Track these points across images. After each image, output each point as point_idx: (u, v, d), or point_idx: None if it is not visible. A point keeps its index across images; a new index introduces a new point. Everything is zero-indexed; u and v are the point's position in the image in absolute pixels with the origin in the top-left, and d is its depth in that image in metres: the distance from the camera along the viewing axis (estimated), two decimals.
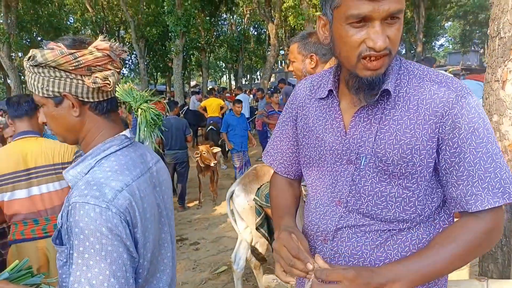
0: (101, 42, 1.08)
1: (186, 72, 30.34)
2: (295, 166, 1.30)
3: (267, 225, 2.76)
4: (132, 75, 41.16)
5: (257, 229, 2.78)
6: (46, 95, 1.08)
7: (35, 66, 1.06)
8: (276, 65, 25.16)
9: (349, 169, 1.08)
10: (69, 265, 1.03)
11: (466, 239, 0.97)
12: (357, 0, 0.90)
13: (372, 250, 1.07)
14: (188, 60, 27.63)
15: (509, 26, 1.92)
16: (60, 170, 2.37)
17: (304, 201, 1.48)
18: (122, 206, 1.00)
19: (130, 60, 34.65)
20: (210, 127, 8.63)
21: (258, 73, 40.64)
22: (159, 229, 1.19)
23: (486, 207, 0.96)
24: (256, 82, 37.43)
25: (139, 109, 3.35)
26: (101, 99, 1.13)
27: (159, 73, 33.50)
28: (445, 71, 12.84)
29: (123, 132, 1.18)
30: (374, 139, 1.03)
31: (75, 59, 1.04)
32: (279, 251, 1.03)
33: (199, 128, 12.04)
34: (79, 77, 1.07)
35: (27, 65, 1.07)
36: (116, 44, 1.12)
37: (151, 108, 3.40)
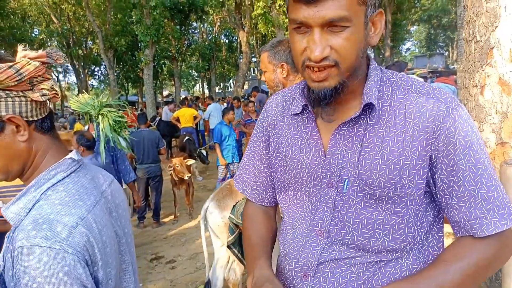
0: (27, 52, 0.93)
1: (158, 82, 29.96)
2: (270, 192, 1.17)
3: (240, 245, 2.60)
4: (102, 86, 40.34)
5: (228, 247, 2.63)
6: None
7: None
8: (249, 72, 25.21)
9: (330, 194, 0.96)
10: None
11: (475, 259, 0.88)
12: (296, 4, 0.83)
13: (359, 286, 0.95)
14: (159, 70, 27.27)
15: (484, 29, 1.87)
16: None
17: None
18: (79, 245, 0.86)
19: (100, 71, 33.96)
20: (187, 137, 8.43)
21: (231, 81, 40.58)
22: (119, 260, 1.04)
23: (494, 232, 0.86)
24: (229, 90, 37.35)
25: (99, 116, 3.21)
26: (43, 115, 0.98)
27: (130, 84, 32.97)
28: (413, 74, 13.13)
29: (69, 155, 1.02)
30: (358, 159, 0.92)
31: (16, 72, 0.88)
32: None
33: (173, 139, 11.79)
34: (21, 93, 0.91)
35: None
36: (53, 49, 0.97)
37: (111, 111, 3.27)
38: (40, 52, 0.94)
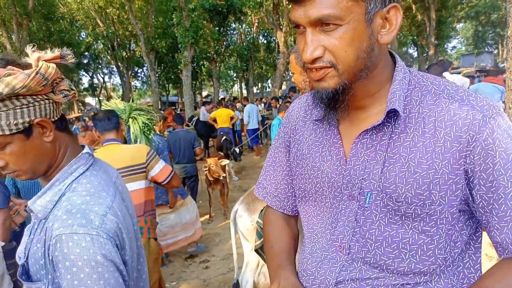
0: (40, 54, 0.95)
1: (197, 83, 30.51)
2: (291, 200, 1.12)
3: None
4: (144, 87, 41.65)
5: (256, 251, 2.63)
6: (15, 131, 0.92)
7: None
8: (286, 72, 25.15)
9: (352, 207, 0.90)
10: None
11: None
12: (292, 3, 0.81)
13: None
14: (198, 71, 27.76)
15: None
16: (135, 171, 2.58)
17: None
18: (111, 231, 0.94)
19: (142, 73, 35.07)
20: (224, 137, 8.52)
21: (269, 81, 40.62)
22: (136, 244, 1.12)
23: None
24: (267, 90, 37.38)
25: (130, 119, 3.36)
26: (60, 114, 1.04)
27: (170, 84, 33.84)
28: (459, 73, 12.53)
29: (85, 150, 1.09)
30: (381, 171, 0.85)
31: (43, 77, 0.91)
32: None
33: (210, 139, 11.94)
34: (45, 96, 0.96)
35: None
36: (65, 49, 1.00)
37: (141, 114, 3.42)
38: (54, 53, 0.96)
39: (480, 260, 0.92)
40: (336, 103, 0.85)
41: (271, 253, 1.09)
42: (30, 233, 1.01)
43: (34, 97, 0.93)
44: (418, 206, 0.82)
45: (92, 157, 1.09)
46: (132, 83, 33.63)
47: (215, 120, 10.46)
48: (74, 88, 1.02)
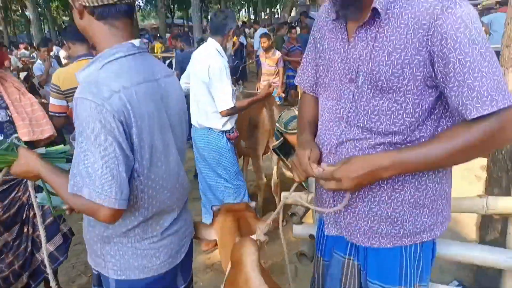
0: None
1: (203, 5, 29.32)
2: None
3: (284, 149, 3.03)
4: (148, 7, 40.16)
5: (273, 150, 3.16)
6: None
7: None
8: None
9: (351, 88, 1.19)
10: None
11: (464, 138, 1.02)
12: None
13: None
14: None
15: None
16: None
17: None
18: (116, 106, 1.09)
19: None
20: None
21: (278, 6, 38.91)
22: (159, 136, 1.24)
23: (475, 116, 0.99)
24: (276, 16, 35.99)
25: None
26: (106, 2, 1.16)
27: (176, 6, 32.56)
28: (478, 5, 11.95)
29: (131, 40, 1.23)
30: (370, 57, 1.11)
31: None
32: (295, 164, 1.29)
33: None
34: None
35: None
36: None
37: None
38: None
39: (445, 123, 1.16)
40: (348, 3, 1.10)
41: (300, 122, 1.47)
42: None
43: None
44: (394, 82, 1.09)
45: (137, 48, 1.23)
46: (136, 2, 32.34)
47: None
48: None
